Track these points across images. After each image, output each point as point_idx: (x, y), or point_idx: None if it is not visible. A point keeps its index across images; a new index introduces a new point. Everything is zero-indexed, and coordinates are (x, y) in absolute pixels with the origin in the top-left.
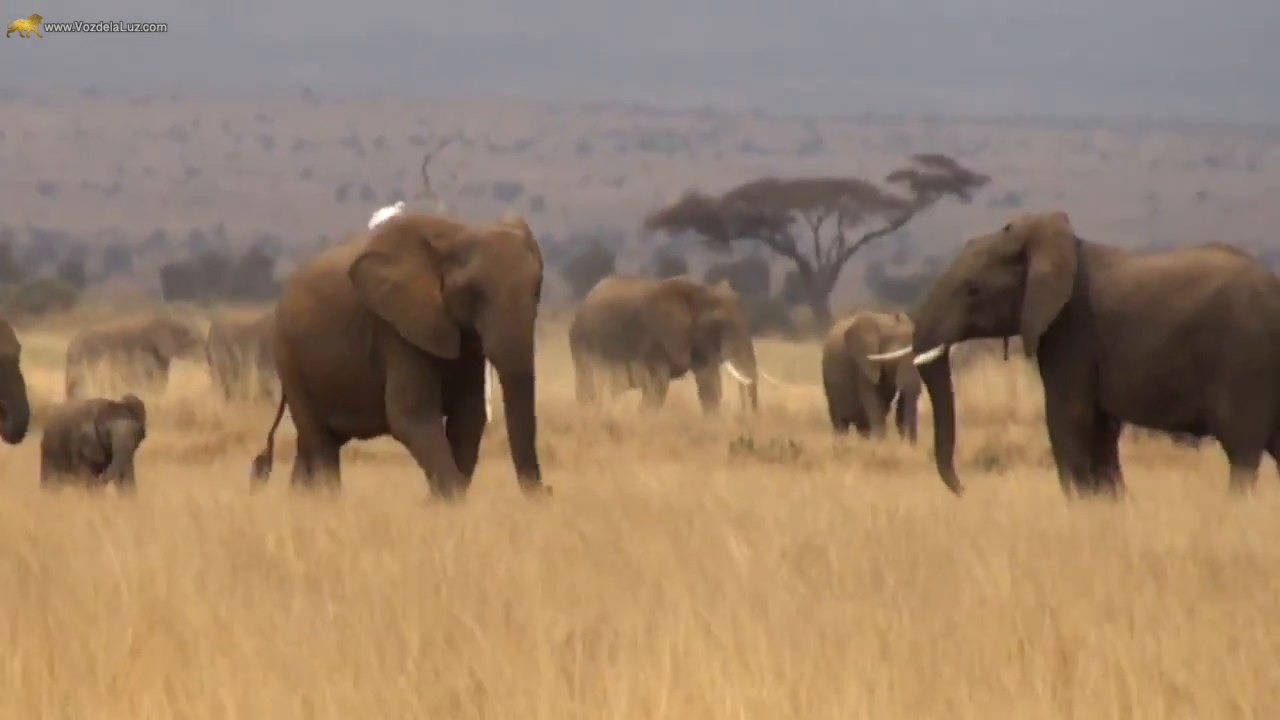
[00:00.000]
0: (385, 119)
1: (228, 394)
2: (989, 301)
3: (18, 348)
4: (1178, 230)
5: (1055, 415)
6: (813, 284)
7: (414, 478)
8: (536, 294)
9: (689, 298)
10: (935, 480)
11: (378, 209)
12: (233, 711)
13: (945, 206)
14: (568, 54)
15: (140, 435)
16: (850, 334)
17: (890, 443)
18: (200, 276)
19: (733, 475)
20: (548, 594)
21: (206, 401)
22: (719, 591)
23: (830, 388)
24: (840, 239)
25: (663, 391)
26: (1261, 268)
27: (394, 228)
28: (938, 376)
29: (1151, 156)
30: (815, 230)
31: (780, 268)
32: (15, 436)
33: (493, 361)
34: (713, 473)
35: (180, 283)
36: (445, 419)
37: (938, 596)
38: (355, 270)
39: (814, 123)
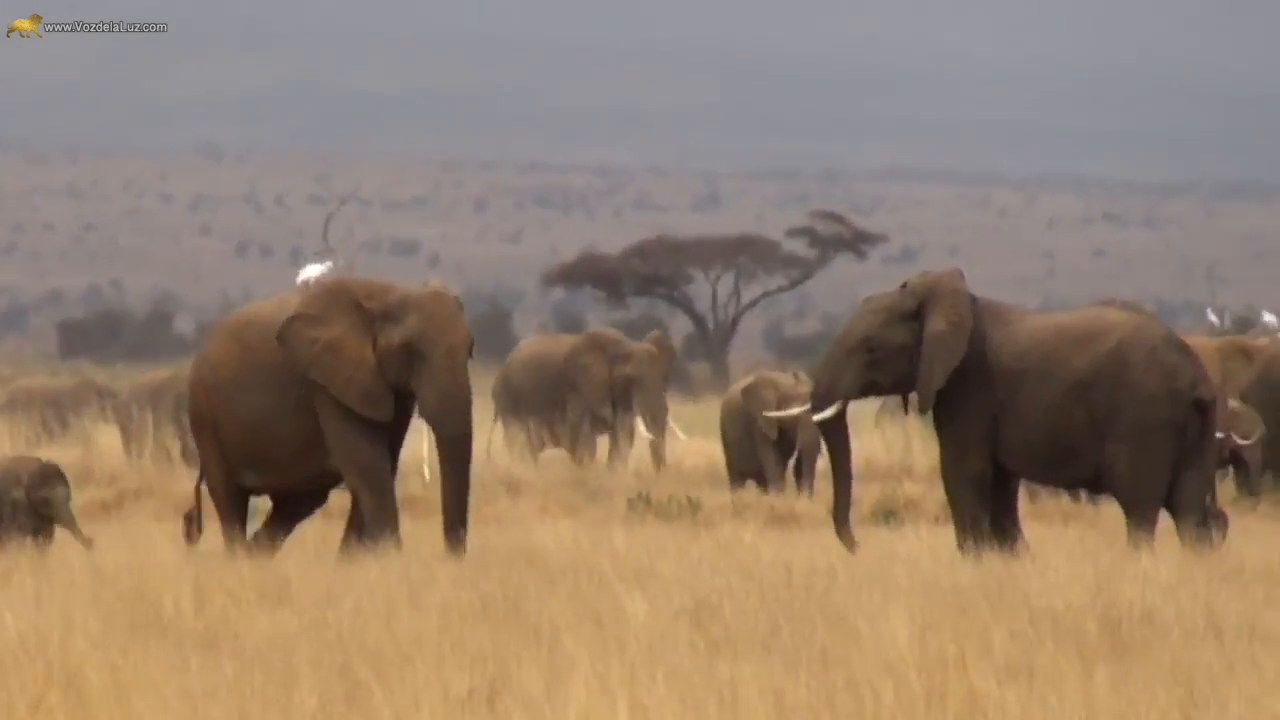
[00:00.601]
0: (284, 176)
1: (129, 452)
2: (887, 359)
3: None
4: (1075, 287)
5: (952, 472)
6: (710, 341)
7: (312, 535)
8: (470, 354)
9: (605, 350)
10: (834, 536)
11: (304, 265)
12: None
13: (842, 264)
14: (464, 111)
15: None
16: (749, 391)
17: (789, 498)
18: (98, 334)
19: (630, 532)
20: (446, 652)
21: (106, 457)
22: (617, 649)
23: (729, 444)
24: (737, 296)
25: (591, 446)
26: (1158, 324)
27: (323, 289)
28: (836, 434)
29: (1049, 214)
30: (713, 287)
31: (678, 325)
32: None
33: (430, 423)
34: (610, 529)
35: (78, 340)
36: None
37: (836, 653)
38: (284, 332)
39: (711, 179)
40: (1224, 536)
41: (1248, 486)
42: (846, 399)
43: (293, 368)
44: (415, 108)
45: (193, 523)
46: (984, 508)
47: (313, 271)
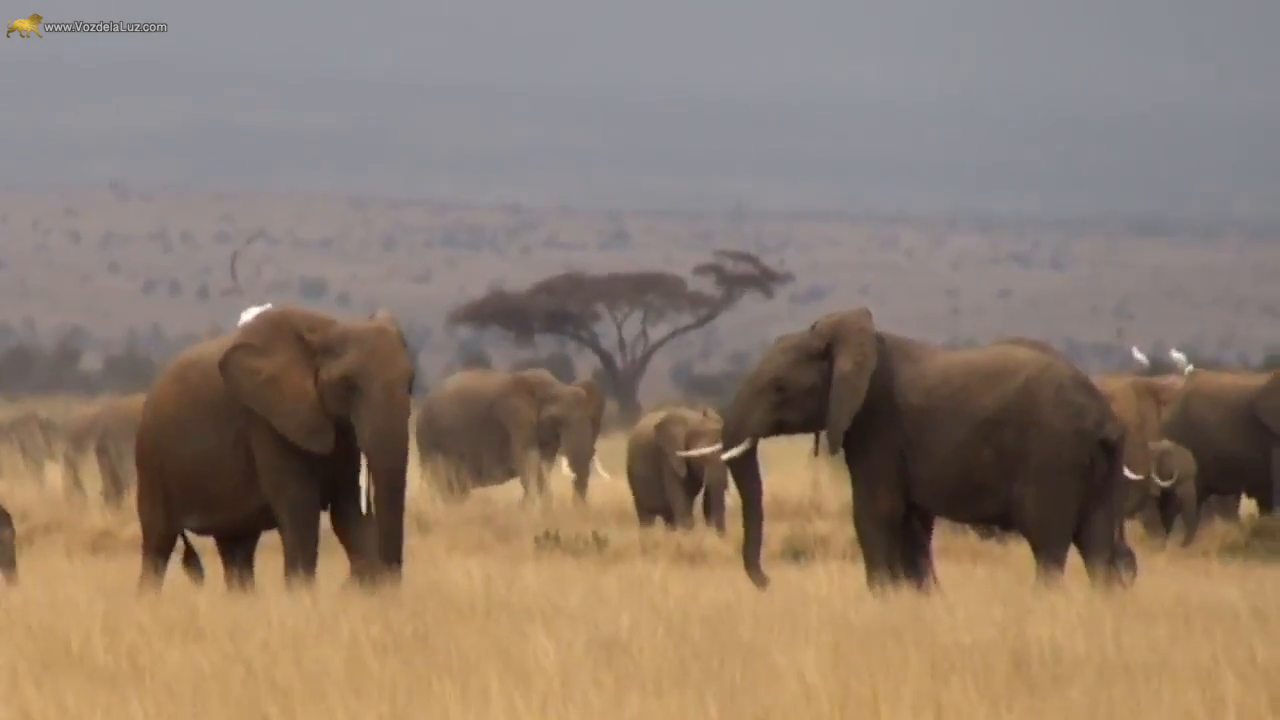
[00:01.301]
0: (192, 214)
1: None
2: (796, 398)
3: None
4: (981, 327)
5: (863, 509)
6: (618, 379)
7: (221, 570)
8: (410, 389)
9: (534, 393)
10: (742, 572)
11: (245, 308)
12: None
13: (750, 302)
14: (372, 150)
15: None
16: (659, 428)
17: (697, 535)
18: (8, 369)
19: (539, 568)
20: (354, 686)
21: (15, 493)
22: (526, 685)
23: (636, 481)
24: (645, 335)
25: (541, 480)
26: (1066, 363)
27: (265, 320)
28: (745, 472)
29: (955, 253)
30: (619, 326)
31: (586, 363)
32: None
33: (367, 456)
34: (519, 566)
35: None
36: (333, 516)
37: (746, 689)
38: (226, 362)
39: (619, 217)
40: (1133, 574)
41: (1186, 526)
42: (755, 437)
43: (234, 399)
44: (323, 147)
45: (191, 564)
46: (894, 545)
47: (254, 314)
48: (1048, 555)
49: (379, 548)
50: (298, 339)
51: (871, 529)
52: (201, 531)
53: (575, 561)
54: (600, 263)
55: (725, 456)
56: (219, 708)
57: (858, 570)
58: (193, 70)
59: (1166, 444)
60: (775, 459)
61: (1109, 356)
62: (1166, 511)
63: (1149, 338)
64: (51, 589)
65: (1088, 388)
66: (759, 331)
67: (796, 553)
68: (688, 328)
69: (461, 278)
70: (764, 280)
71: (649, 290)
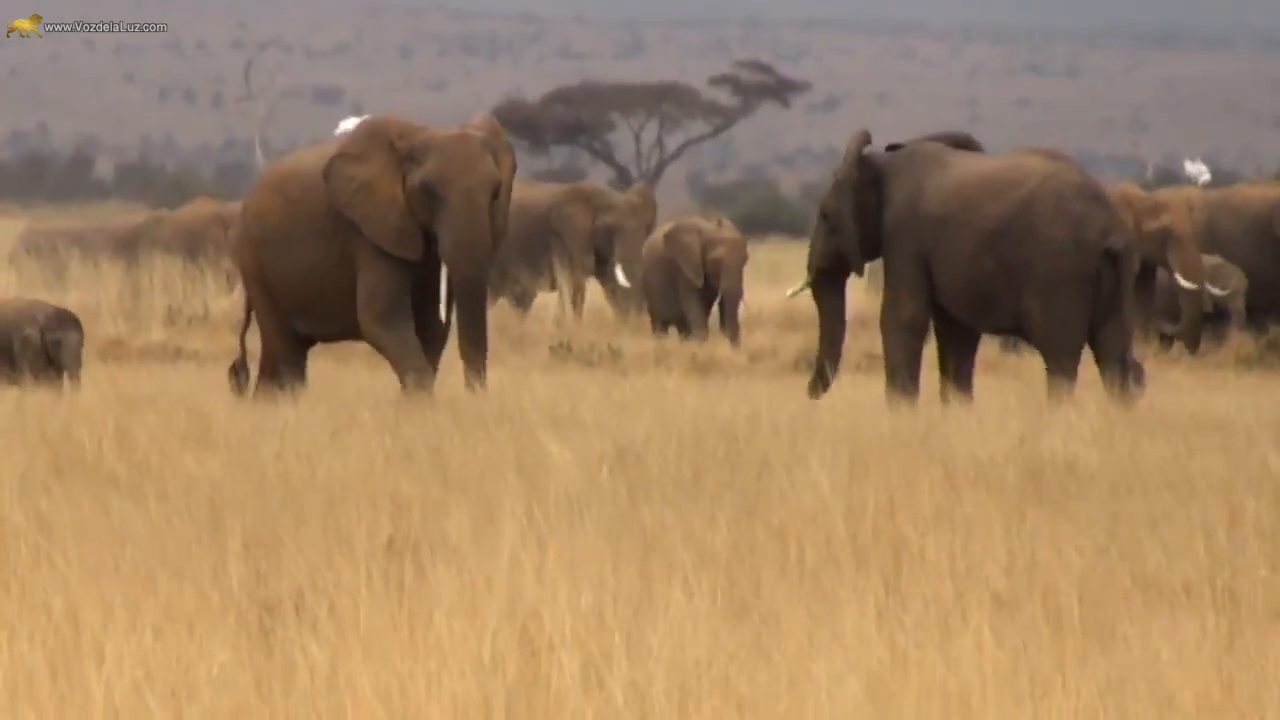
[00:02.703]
0: (205, 22)
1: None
2: (837, 224)
3: None
4: (999, 137)
5: (888, 315)
6: None
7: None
8: (496, 195)
9: (589, 201)
10: (755, 384)
11: (342, 119)
12: (55, 612)
13: (766, 112)
14: None
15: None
16: (671, 237)
17: (710, 346)
18: (22, 176)
19: (552, 379)
20: (368, 497)
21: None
22: (540, 495)
23: (651, 291)
24: (660, 145)
25: (579, 291)
26: (1074, 172)
27: (364, 129)
28: (823, 305)
29: (972, 63)
30: (636, 136)
31: (600, 174)
32: None
33: (446, 264)
34: (532, 376)
35: (2, 183)
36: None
37: (759, 500)
38: (328, 170)
39: (634, 27)
40: (1140, 387)
41: (1224, 337)
42: (817, 270)
43: (337, 211)
44: None
45: (239, 374)
46: (914, 354)
47: (352, 124)
48: (1058, 367)
49: (461, 354)
50: (389, 146)
51: (894, 335)
52: (312, 336)
53: (589, 372)
54: (615, 72)
55: (790, 293)
56: (233, 516)
57: (870, 383)
58: None
59: (1215, 259)
60: (789, 272)
61: (1125, 167)
62: (1215, 324)
63: (1164, 148)
64: (64, 395)
65: (1094, 197)
66: (775, 141)
67: (811, 364)
68: (703, 137)
69: (476, 86)
70: (780, 90)
71: (665, 100)
